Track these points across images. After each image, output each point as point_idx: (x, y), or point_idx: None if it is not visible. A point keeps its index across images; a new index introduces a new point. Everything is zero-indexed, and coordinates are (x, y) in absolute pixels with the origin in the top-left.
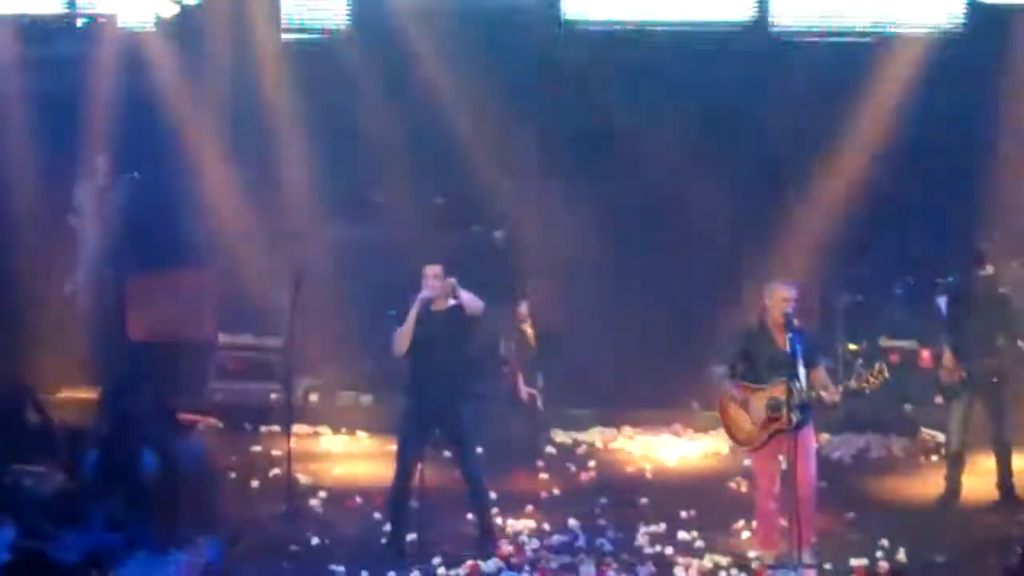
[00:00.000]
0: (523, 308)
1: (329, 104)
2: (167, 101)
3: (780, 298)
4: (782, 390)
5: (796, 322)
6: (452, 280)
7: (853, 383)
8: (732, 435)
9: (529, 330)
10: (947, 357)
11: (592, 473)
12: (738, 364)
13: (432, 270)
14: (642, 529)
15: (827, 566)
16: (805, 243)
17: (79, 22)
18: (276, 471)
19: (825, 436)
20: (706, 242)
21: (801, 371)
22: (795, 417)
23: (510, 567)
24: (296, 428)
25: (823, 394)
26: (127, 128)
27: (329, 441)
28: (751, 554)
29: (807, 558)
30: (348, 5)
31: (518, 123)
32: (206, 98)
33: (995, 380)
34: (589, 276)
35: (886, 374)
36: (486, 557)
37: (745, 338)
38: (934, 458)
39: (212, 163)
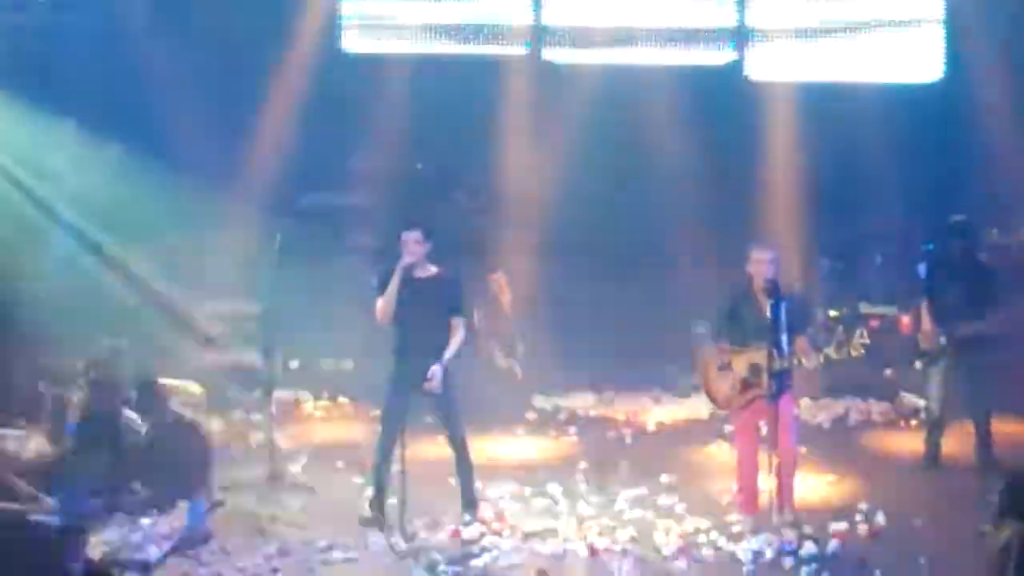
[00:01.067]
0: (499, 276)
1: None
2: (145, 68)
3: (756, 261)
4: (763, 355)
5: (781, 288)
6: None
7: (833, 351)
8: (711, 398)
9: (505, 299)
10: (926, 323)
11: (573, 437)
12: (722, 327)
13: (411, 236)
14: (622, 493)
15: (807, 529)
16: (787, 208)
17: None
18: (258, 436)
19: (805, 401)
20: (688, 207)
21: (783, 337)
22: (774, 383)
23: (491, 532)
24: (277, 394)
25: (804, 361)
26: (103, 97)
27: (311, 407)
28: (731, 518)
29: (788, 516)
30: None
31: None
32: (184, 64)
33: (973, 345)
34: (569, 242)
35: (867, 341)
36: (468, 522)
37: (730, 301)
38: (913, 422)
39: (193, 130)
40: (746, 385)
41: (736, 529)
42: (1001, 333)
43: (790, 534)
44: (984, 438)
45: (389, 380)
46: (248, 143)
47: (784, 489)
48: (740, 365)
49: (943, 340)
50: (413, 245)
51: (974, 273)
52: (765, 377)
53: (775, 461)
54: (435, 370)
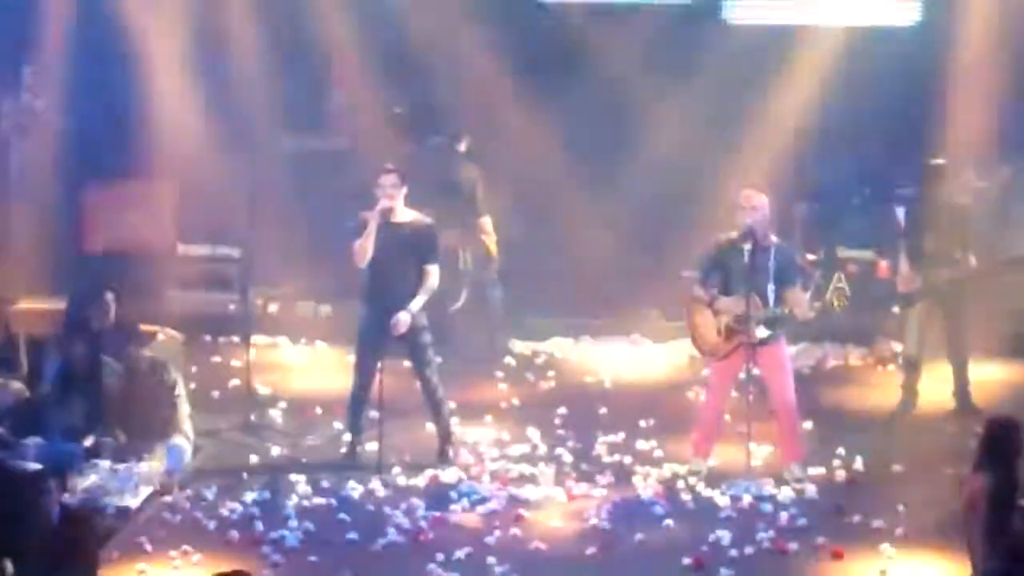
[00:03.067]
0: (484, 220)
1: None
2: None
3: (743, 207)
4: (749, 303)
5: (771, 236)
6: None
7: (818, 302)
8: (697, 345)
9: (490, 242)
10: (904, 266)
11: (551, 383)
12: (710, 273)
13: (389, 179)
14: (601, 439)
15: (784, 475)
16: (765, 152)
17: None
18: (235, 382)
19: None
20: (668, 150)
21: (769, 285)
22: (760, 331)
23: (469, 477)
24: (255, 339)
25: (796, 310)
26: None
27: (288, 351)
28: (691, 463)
29: (796, 472)
30: None
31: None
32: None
33: (951, 290)
34: (549, 185)
35: (844, 285)
36: (445, 467)
37: (718, 247)
38: (891, 368)
39: (165, 70)
40: (731, 332)
41: (695, 469)
42: (978, 276)
43: (766, 482)
44: (962, 383)
45: (361, 326)
46: (226, 84)
47: (788, 439)
48: (726, 313)
49: (921, 284)
50: (390, 189)
51: (952, 216)
52: (751, 325)
53: (774, 412)
54: (401, 316)
